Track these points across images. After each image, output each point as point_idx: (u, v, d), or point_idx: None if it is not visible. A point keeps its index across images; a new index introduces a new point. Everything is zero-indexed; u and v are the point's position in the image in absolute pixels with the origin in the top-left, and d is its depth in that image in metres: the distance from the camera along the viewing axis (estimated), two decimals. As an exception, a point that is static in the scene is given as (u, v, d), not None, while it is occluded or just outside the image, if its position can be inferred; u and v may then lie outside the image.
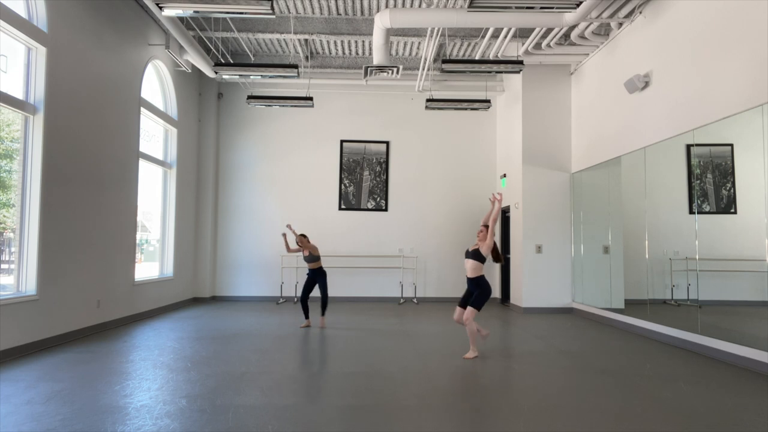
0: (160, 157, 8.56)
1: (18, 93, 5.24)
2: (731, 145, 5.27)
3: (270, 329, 6.78)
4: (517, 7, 5.28)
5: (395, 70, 7.96)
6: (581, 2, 5.52)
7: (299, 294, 10.08)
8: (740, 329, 5.08)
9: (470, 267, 5.26)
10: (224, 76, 8.17)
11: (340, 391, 3.97)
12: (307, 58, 9.70)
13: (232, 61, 9.60)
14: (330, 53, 9.85)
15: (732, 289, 5.32)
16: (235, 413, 3.39)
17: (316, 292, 9.05)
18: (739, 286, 5.22)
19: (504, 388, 4.15)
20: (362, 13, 8.14)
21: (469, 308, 5.19)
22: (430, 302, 10.14)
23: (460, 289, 10.29)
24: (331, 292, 9.95)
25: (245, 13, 5.39)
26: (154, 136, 8.43)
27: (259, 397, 3.77)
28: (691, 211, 5.75)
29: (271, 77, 7.53)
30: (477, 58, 8.88)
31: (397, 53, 9.89)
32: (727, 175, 5.29)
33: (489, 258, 5.33)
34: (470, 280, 5.28)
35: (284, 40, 9.15)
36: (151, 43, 7.83)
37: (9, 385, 4.00)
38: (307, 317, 7.05)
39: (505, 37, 7.81)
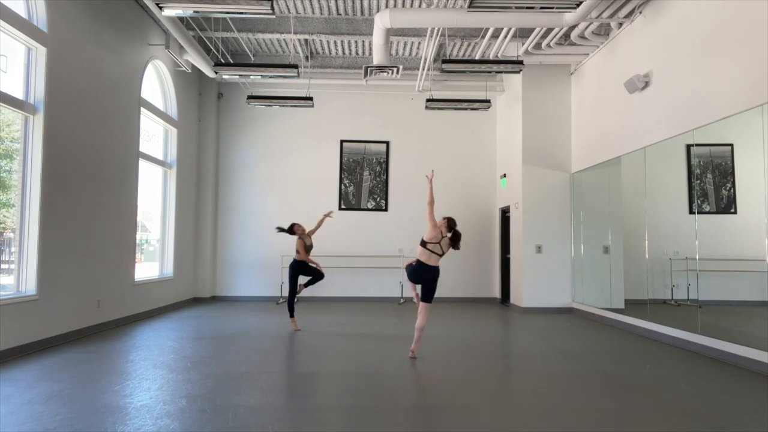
0: (160, 157, 8.56)
1: (18, 93, 5.24)
2: (731, 145, 5.27)
3: (270, 329, 6.78)
4: (517, 7, 5.29)
5: (395, 70, 7.96)
6: (581, 2, 5.52)
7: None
8: (740, 329, 5.08)
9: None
10: (224, 76, 8.17)
11: (340, 391, 3.97)
12: (307, 58, 9.70)
13: (232, 61, 9.59)
14: (330, 53, 9.85)
15: (732, 289, 5.32)
16: (235, 413, 3.39)
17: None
18: (739, 286, 5.22)
19: (504, 388, 4.16)
20: (362, 13, 8.14)
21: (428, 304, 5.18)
22: (430, 302, 10.13)
23: (460, 289, 10.30)
24: (331, 292, 10.01)
25: (245, 13, 5.40)
26: (154, 136, 8.43)
27: (259, 397, 3.77)
28: (691, 211, 5.75)
29: (271, 77, 7.54)
30: (477, 58, 8.87)
31: (397, 53, 9.89)
32: (727, 175, 5.30)
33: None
34: (434, 270, 5.25)
35: (284, 40, 9.15)
36: (151, 43, 7.83)
37: (9, 385, 3.99)
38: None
39: (505, 37, 7.81)
